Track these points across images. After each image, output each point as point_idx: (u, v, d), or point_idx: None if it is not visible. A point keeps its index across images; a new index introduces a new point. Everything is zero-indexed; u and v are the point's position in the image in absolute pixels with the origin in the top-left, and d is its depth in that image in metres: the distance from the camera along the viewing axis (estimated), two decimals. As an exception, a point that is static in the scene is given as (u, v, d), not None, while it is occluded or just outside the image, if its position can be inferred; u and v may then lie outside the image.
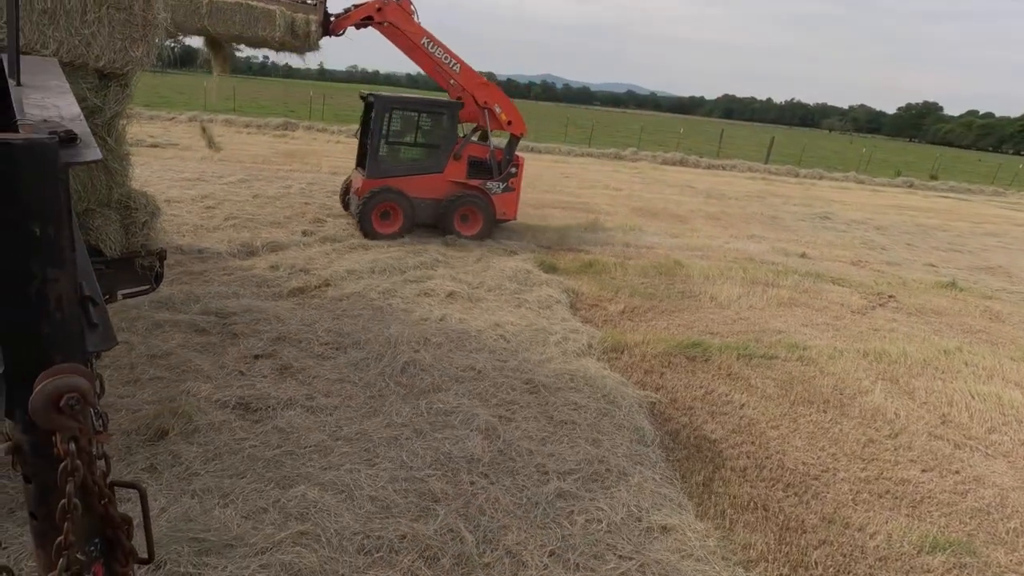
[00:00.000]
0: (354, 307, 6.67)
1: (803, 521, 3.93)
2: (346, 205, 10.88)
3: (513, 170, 10.51)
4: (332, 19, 9.67)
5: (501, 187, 10.42)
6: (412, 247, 9.18)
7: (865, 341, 7.27)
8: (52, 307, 1.04)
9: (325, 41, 9.82)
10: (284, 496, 3.56)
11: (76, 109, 1.48)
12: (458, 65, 10.04)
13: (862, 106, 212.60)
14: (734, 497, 4.07)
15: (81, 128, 1.25)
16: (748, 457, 4.58)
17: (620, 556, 3.39)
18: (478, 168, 10.30)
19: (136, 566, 1.26)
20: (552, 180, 19.09)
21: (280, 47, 9.64)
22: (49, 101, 1.53)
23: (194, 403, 4.40)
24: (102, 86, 4.72)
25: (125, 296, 4.65)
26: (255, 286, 7.11)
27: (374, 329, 5.98)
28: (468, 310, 6.87)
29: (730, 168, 29.35)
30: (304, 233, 9.54)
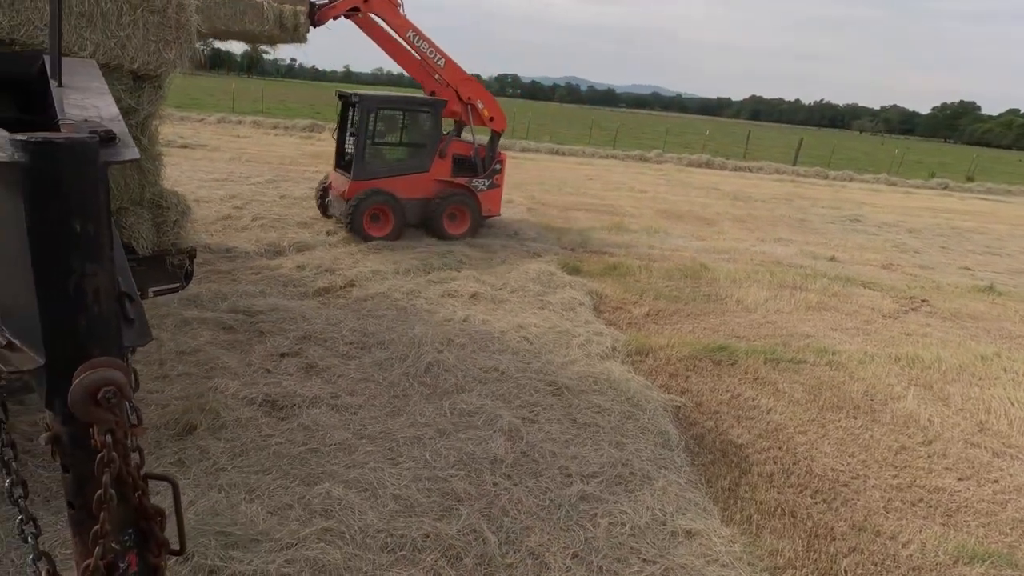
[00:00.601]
0: (379, 307, 6.71)
1: (832, 528, 3.86)
2: (324, 209, 10.55)
3: (497, 166, 10.41)
4: (318, 10, 9.37)
5: (486, 184, 10.30)
6: (436, 248, 9.21)
7: (897, 346, 7.13)
8: (91, 302, 1.06)
9: (322, 35, 9.77)
10: (309, 493, 3.59)
11: (115, 109, 1.51)
12: (443, 60, 9.85)
13: (894, 106, 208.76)
14: (761, 503, 4.02)
15: (120, 128, 1.27)
16: (775, 462, 4.52)
17: (644, 560, 3.37)
18: (463, 166, 10.17)
19: (168, 557, 1.28)
20: (576, 182, 19.05)
21: (269, 40, 9.46)
22: (89, 101, 1.57)
23: (221, 399, 4.47)
24: (136, 87, 4.82)
25: (156, 293, 4.73)
26: (281, 285, 7.21)
27: (398, 329, 6.02)
28: (491, 311, 6.88)
29: (757, 170, 29.01)
30: (329, 233, 9.64)
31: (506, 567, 3.23)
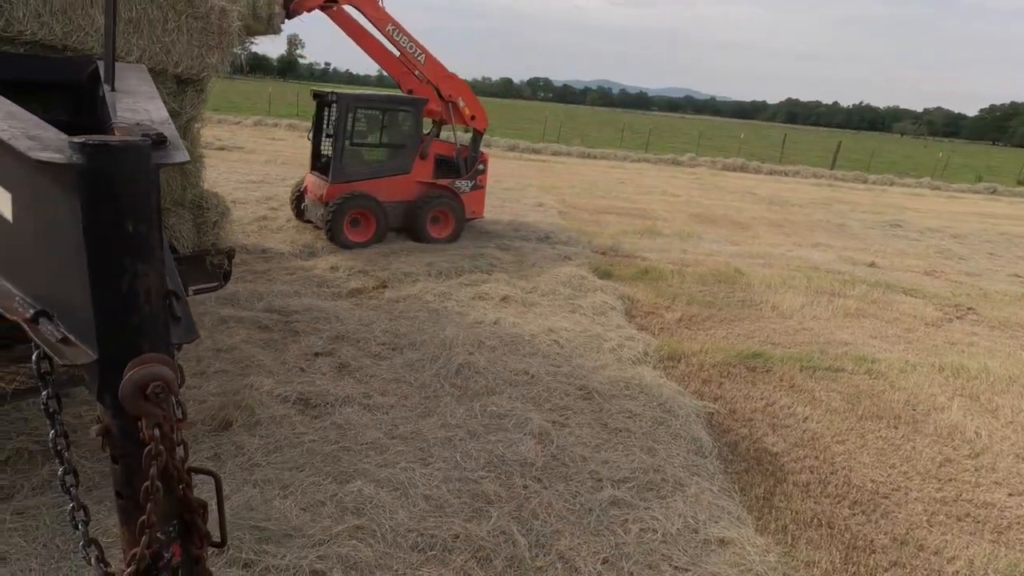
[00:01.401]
0: (410, 309, 6.77)
1: (872, 541, 3.77)
2: (300, 212, 10.03)
3: (481, 167, 10.13)
4: (292, 0, 8.92)
5: (470, 185, 10.03)
6: (468, 251, 9.26)
7: (941, 355, 6.94)
8: (142, 300, 1.10)
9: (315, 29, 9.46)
10: (341, 491, 3.63)
11: (165, 113, 1.56)
12: (423, 55, 9.52)
13: (938, 108, 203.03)
14: (796, 512, 3.94)
15: (170, 131, 1.31)
16: (811, 472, 4.43)
17: (676, 567, 3.33)
18: (445, 167, 9.89)
19: (209, 549, 1.31)
20: (607, 186, 18.97)
21: (245, 30, 9.35)
22: (140, 105, 1.62)
23: (257, 397, 4.54)
24: (180, 91, 4.95)
25: (195, 292, 4.84)
26: (316, 286, 7.32)
27: (429, 331, 6.06)
28: (522, 314, 6.88)
29: (793, 174, 28.53)
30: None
31: (536, 570, 3.22)
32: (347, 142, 9.17)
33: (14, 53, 3.48)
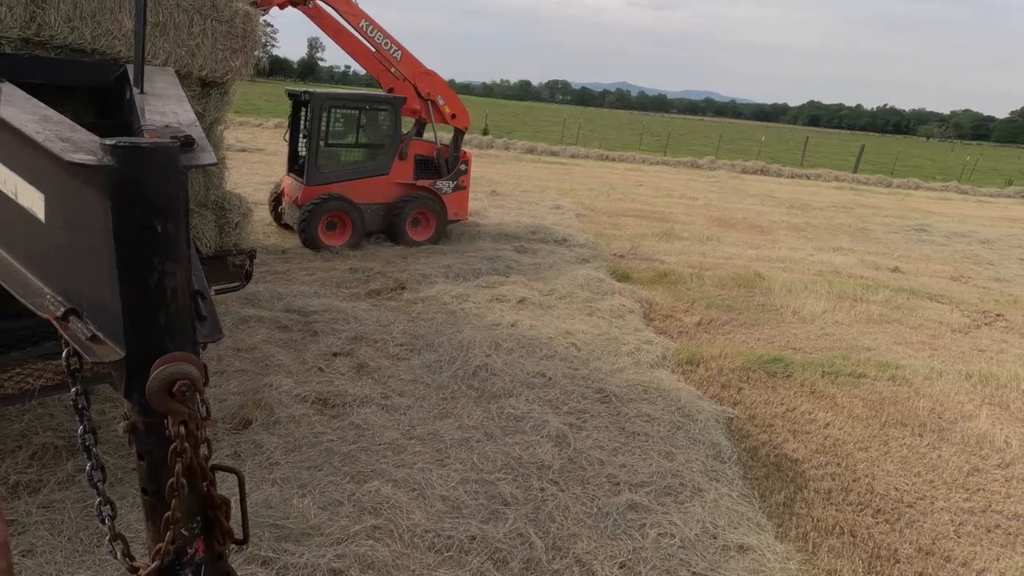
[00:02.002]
0: (428, 310, 6.80)
1: (896, 550, 3.71)
2: (278, 216, 9.83)
3: (463, 167, 9.86)
4: None
5: (451, 186, 9.73)
6: (486, 253, 9.26)
7: (968, 362, 6.81)
8: (169, 299, 1.12)
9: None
10: (359, 490, 3.65)
11: (192, 115, 1.59)
12: (399, 52, 9.22)
13: (966, 111, 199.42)
14: (818, 520, 3.89)
15: (198, 133, 1.33)
16: (833, 479, 4.37)
17: (694, 573, 3.30)
18: (425, 167, 9.63)
19: (231, 546, 1.33)
20: (626, 189, 18.90)
21: None
22: (168, 108, 1.64)
23: (276, 396, 4.59)
24: (204, 93, 5.02)
25: (217, 292, 4.91)
26: (335, 287, 7.37)
27: (447, 332, 6.07)
28: (539, 317, 6.88)
29: (815, 177, 28.22)
30: (378, 237, 9.76)
31: (552, 573, 3.22)
32: (322, 143, 8.90)
33: (45, 57, 3.55)
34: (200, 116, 4.99)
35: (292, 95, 9.47)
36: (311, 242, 8.67)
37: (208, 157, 1.27)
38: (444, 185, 9.72)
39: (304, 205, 8.65)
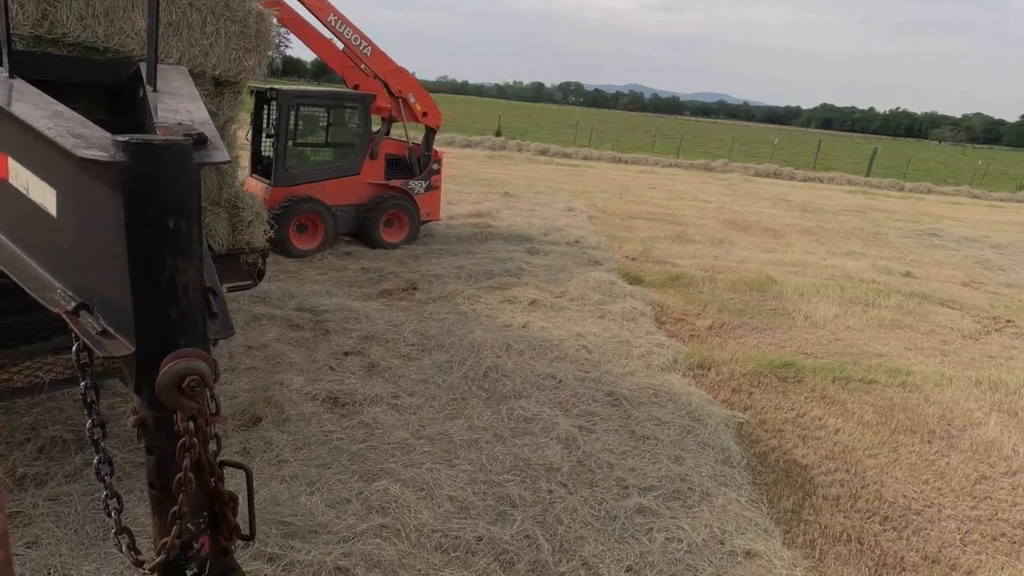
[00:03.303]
0: (439, 311, 6.81)
1: (902, 558, 3.68)
2: None
3: (435, 166, 9.67)
4: None
5: (424, 186, 9.53)
6: (498, 255, 9.27)
7: (978, 369, 6.75)
8: (181, 295, 1.12)
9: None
10: (367, 489, 3.66)
11: (205, 114, 1.60)
12: (369, 48, 8.91)
13: (978, 114, 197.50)
14: (825, 527, 3.86)
15: (211, 131, 1.34)
16: (842, 486, 4.34)
17: (701, 578, 3.28)
18: (397, 167, 9.39)
19: (237, 541, 1.33)
20: (638, 191, 18.86)
21: None
22: (181, 106, 1.66)
23: (286, 394, 4.61)
24: (217, 93, 5.04)
25: (229, 290, 4.93)
26: (347, 286, 7.40)
27: (458, 333, 6.08)
28: (550, 319, 6.87)
29: (828, 181, 28.04)
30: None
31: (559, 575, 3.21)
32: (290, 142, 8.50)
33: (58, 54, 3.58)
34: (214, 115, 5.02)
35: (256, 92, 8.93)
36: (282, 247, 8.14)
37: (221, 155, 1.28)
38: (416, 185, 9.51)
39: (274, 208, 8.11)
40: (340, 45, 8.94)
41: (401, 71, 9.40)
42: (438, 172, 9.82)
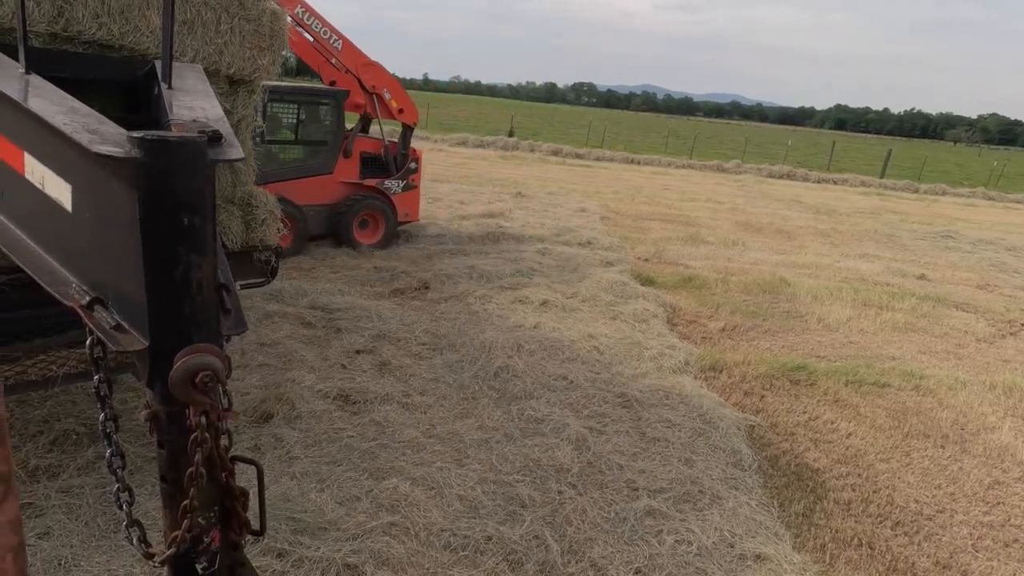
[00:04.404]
0: (451, 310, 6.81)
1: (913, 564, 3.64)
2: None
3: (413, 165, 9.33)
4: None
5: (400, 185, 9.20)
6: (510, 255, 9.27)
7: (992, 373, 6.66)
8: (195, 291, 1.13)
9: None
10: (377, 487, 3.67)
11: (220, 111, 1.61)
12: (340, 41, 8.58)
13: (993, 115, 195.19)
14: (836, 531, 3.83)
15: (225, 129, 1.35)
16: (853, 490, 4.30)
17: (710, 580, 3.27)
18: (372, 166, 9.08)
19: (248, 536, 1.34)
20: (651, 192, 18.80)
21: None
22: (196, 103, 1.67)
23: (298, 391, 4.63)
24: (231, 91, 5.07)
25: (242, 287, 4.96)
26: (359, 285, 7.43)
27: (470, 333, 6.08)
28: (562, 319, 6.86)
29: (842, 182, 27.83)
30: (404, 237, 9.83)
31: (568, 576, 3.20)
32: (258, 139, 8.25)
33: (73, 52, 3.61)
34: (228, 113, 5.05)
35: None
36: None
37: (235, 152, 1.28)
38: (393, 184, 9.18)
39: None
40: (310, 39, 8.60)
41: (374, 65, 9.04)
42: (416, 171, 9.47)
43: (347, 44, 8.70)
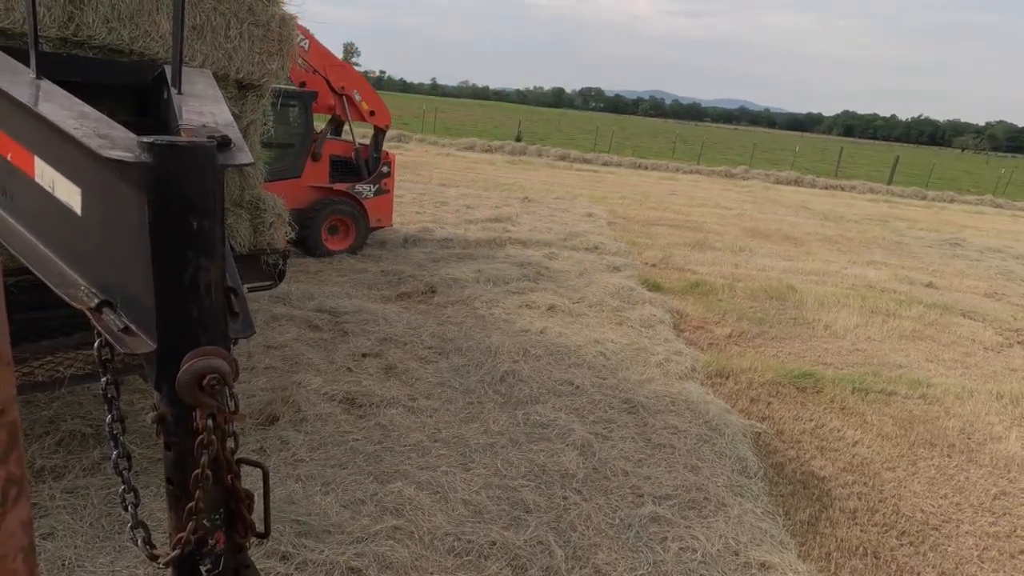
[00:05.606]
0: (458, 314, 6.82)
1: (919, 574, 3.61)
2: None
3: (385, 169, 9.09)
4: None
5: (372, 190, 8.95)
6: (516, 260, 9.27)
7: (999, 382, 6.62)
8: (203, 294, 1.14)
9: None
10: (381, 490, 3.68)
11: (229, 116, 1.62)
12: (307, 41, 8.22)
13: (1001, 122, 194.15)
14: (841, 540, 3.80)
15: (234, 134, 1.36)
16: (859, 498, 4.27)
17: (715, 588, 3.25)
18: (342, 169, 8.84)
19: (252, 539, 1.35)
20: (659, 197, 18.78)
21: None
22: (205, 108, 1.68)
23: (304, 394, 4.64)
24: (240, 96, 5.10)
25: (250, 290, 4.99)
26: (366, 288, 7.45)
27: (476, 337, 6.09)
28: (568, 324, 6.86)
29: (849, 189, 27.74)
30: (407, 240, 9.84)
31: (571, 582, 3.19)
32: None
33: (84, 56, 3.64)
34: (237, 118, 5.08)
35: None
36: None
37: (244, 157, 1.30)
38: (364, 189, 8.92)
39: None
40: None
41: (344, 66, 8.84)
42: (389, 175, 9.22)
43: (314, 44, 8.40)
